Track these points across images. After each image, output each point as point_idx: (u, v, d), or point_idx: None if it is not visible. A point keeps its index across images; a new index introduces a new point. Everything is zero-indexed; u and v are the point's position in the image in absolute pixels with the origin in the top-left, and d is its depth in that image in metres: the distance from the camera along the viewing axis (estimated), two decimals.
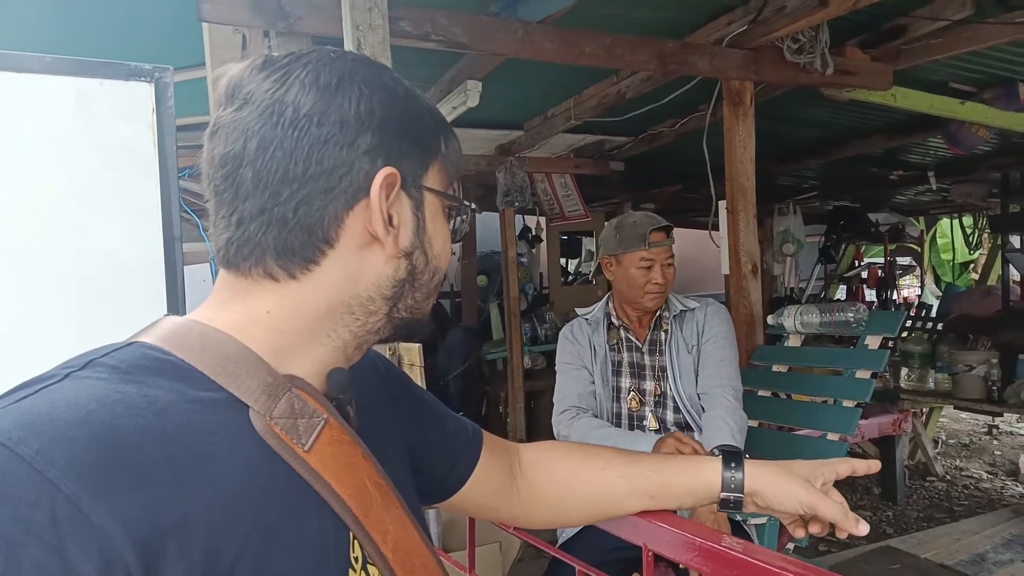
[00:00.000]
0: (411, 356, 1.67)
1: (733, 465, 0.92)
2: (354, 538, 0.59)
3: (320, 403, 0.59)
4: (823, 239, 7.32)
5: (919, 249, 8.61)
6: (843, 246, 7.54)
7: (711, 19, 2.64)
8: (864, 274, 7.87)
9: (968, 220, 7.84)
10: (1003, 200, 5.48)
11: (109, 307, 1.34)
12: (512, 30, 2.31)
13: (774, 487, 0.90)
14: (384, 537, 0.60)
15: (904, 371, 4.27)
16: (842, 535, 0.87)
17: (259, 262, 0.59)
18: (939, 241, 8.51)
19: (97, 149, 1.36)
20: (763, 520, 1.95)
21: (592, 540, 1.61)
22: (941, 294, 7.92)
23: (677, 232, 2.07)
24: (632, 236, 1.96)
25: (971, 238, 7.87)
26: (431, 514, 1.91)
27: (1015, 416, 5.40)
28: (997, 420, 5.80)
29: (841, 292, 7.94)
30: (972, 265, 8.35)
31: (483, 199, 5.34)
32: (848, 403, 2.17)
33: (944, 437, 5.60)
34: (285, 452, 0.56)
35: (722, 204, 2.84)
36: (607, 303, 2.09)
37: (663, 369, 1.99)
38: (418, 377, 1.62)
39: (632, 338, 2.03)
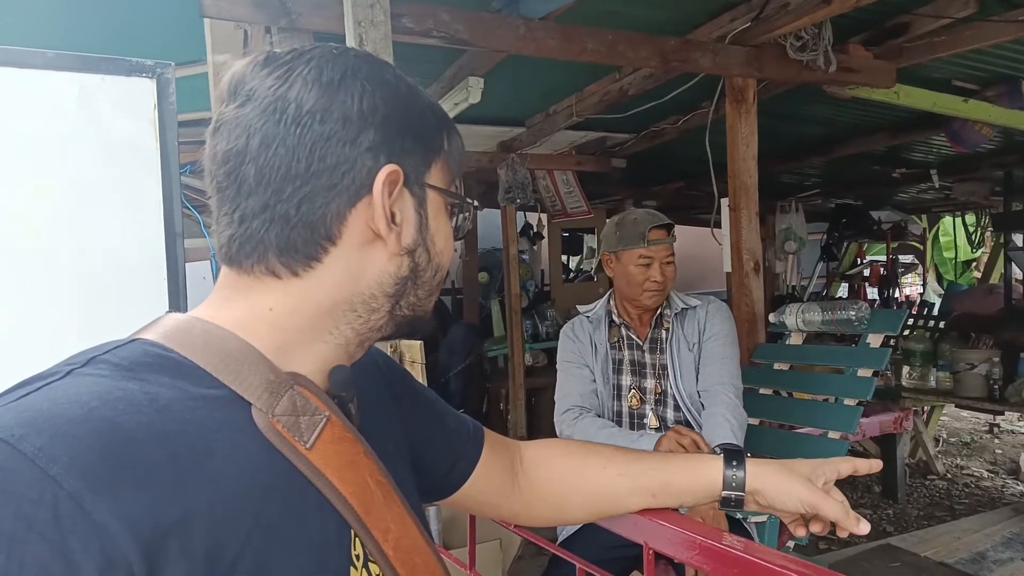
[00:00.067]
0: (412, 353, 1.67)
1: (735, 464, 0.92)
2: (355, 536, 0.59)
3: (322, 401, 0.59)
4: (825, 237, 7.31)
5: (921, 247, 8.59)
6: (845, 244, 7.52)
7: (714, 16, 2.63)
8: (866, 272, 7.86)
9: (971, 218, 7.83)
10: (1006, 198, 5.46)
11: (110, 304, 1.34)
12: (514, 26, 2.31)
13: (775, 486, 0.90)
14: (385, 535, 0.60)
15: (905, 369, 4.27)
16: (843, 534, 0.87)
17: (261, 259, 0.59)
18: (941, 239, 8.49)
19: (98, 145, 1.36)
20: (763, 518, 1.95)
21: (592, 538, 1.61)
22: (943, 292, 7.90)
23: (679, 229, 2.06)
24: (632, 233, 1.96)
25: (973, 236, 7.87)
26: (432, 511, 1.92)
27: (1016, 415, 5.41)
28: (998, 419, 5.79)
29: (843, 290, 7.93)
30: (974, 263, 8.34)
31: (484, 196, 5.34)
32: (849, 401, 2.17)
33: (945, 435, 5.60)
34: (287, 450, 0.56)
35: (724, 201, 2.84)
36: (609, 300, 2.09)
37: (664, 367, 1.98)
38: (419, 374, 1.62)
39: (633, 336, 2.03)
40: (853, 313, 2.31)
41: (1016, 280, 5.99)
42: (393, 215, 0.60)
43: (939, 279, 8.68)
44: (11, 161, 1.30)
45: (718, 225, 2.95)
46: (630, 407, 1.99)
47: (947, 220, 8.28)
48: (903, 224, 7.74)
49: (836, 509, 0.86)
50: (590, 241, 7.61)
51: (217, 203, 0.60)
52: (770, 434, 2.38)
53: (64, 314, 1.32)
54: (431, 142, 0.64)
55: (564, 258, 7.43)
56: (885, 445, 4.22)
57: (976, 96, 3.33)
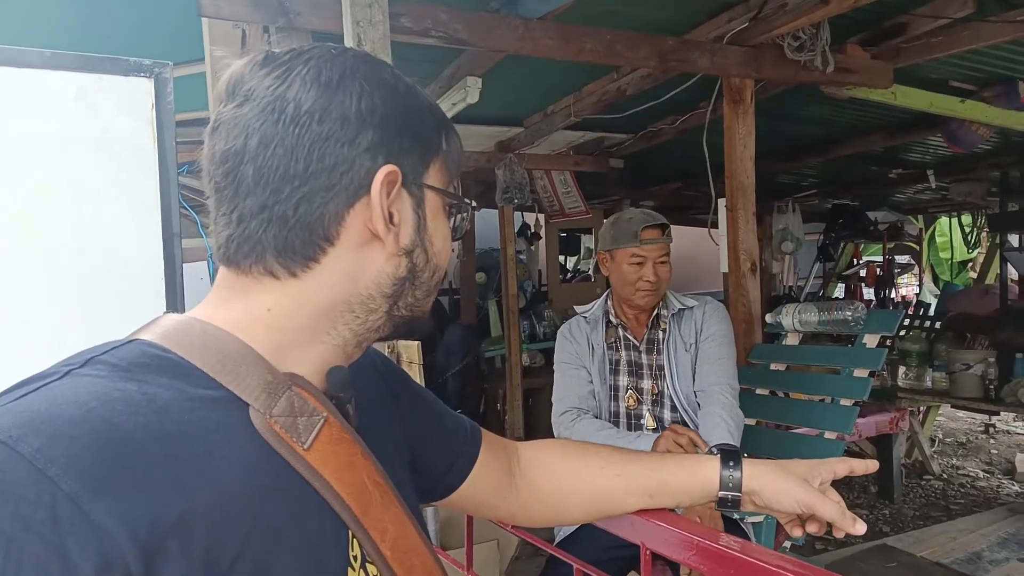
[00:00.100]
0: (410, 353, 1.67)
1: (731, 464, 0.92)
2: (353, 536, 0.59)
3: (320, 401, 0.59)
4: (822, 237, 7.32)
5: (918, 247, 8.61)
6: (842, 244, 7.54)
7: (712, 16, 2.64)
8: (863, 272, 7.88)
9: (967, 219, 7.84)
10: (1002, 199, 5.48)
11: (108, 304, 1.34)
12: (512, 26, 2.31)
13: (772, 486, 0.90)
14: (383, 536, 0.60)
15: (902, 370, 4.28)
16: (839, 534, 0.87)
17: (259, 260, 0.59)
18: (938, 240, 8.51)
19: (96, 145, 1.36)
20: (760, 518, 1.95)
21: (590, 538, 1.61)
22: (939, 293, 7.92)
23: (676, 230, 2.07)
24: (626, 232, 1.96)
25: (970, 237, 7.87)
26: (429, 512, 1.92)
27: (1012, 415, 5.42)
28: (994, 419, 5.81)
29: (839, 290, 7.95)
30: (970, 264, 8.35)
31: (482, 196, 5.33)
32: (846, 402, 2.18)
33: (941, 436, 5.61)
34: (285, 450, 0.56)
35: (721, 202, 2.84)
36: (606, 301, 2.09)
37: (661, 368, 1.99)
38: (417, 374, 1.62)
39: (630, 336, 2.03)
40: (849, 313, 2.31)
41: (1012, 280, 6.01)
42: (391, 215, 0.60)
43: (935, 279, 8.69)
44: (9, 161, 1.30)
45: (715, 225, 2.95)
46: (627, 408, 1.99)
47: (943, 220, 8.29)
48: (899, 224, 7.77)
49: (832, 509, 0.86)
50: (588, 241, 7.61)
51: (215, 203, 0.60)
52: (767, 434, 2.38)
53: (62, 313, 1.32)
54: (429, 142, 0.64)
55: (561, 258, 7.43)
56: (881, 445, 4.23)
57: (973, 96, 3.34)
